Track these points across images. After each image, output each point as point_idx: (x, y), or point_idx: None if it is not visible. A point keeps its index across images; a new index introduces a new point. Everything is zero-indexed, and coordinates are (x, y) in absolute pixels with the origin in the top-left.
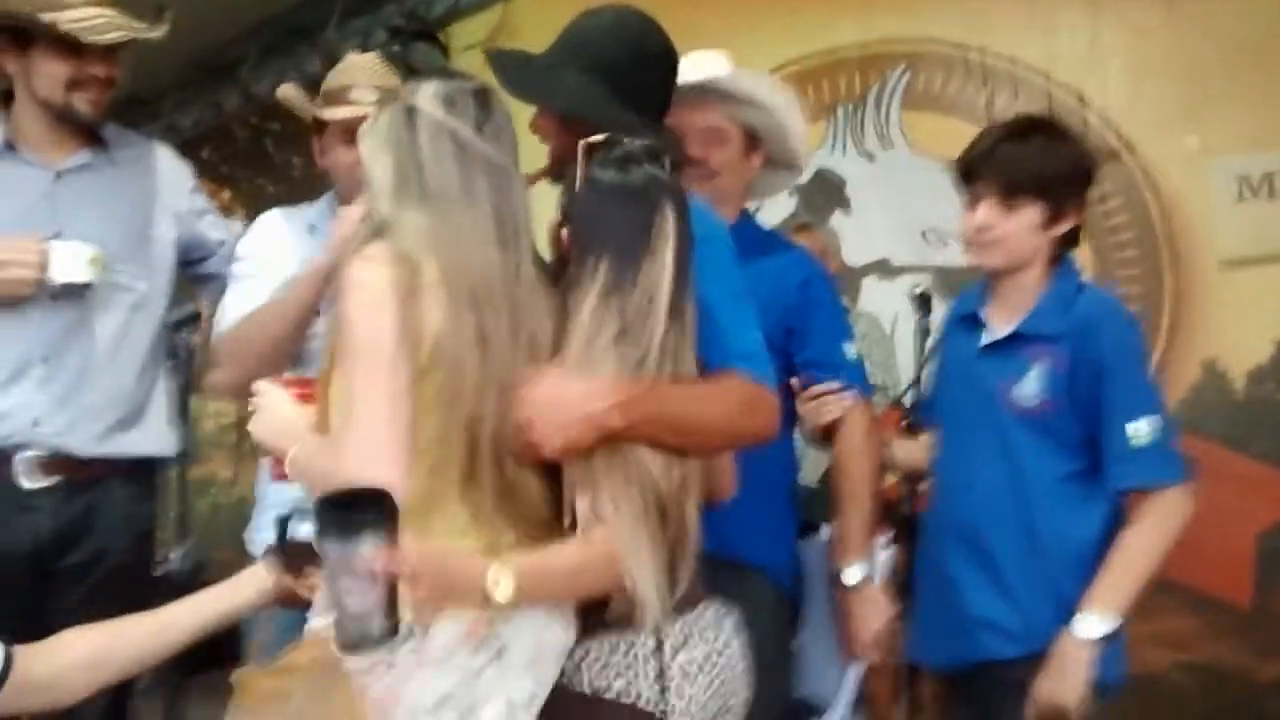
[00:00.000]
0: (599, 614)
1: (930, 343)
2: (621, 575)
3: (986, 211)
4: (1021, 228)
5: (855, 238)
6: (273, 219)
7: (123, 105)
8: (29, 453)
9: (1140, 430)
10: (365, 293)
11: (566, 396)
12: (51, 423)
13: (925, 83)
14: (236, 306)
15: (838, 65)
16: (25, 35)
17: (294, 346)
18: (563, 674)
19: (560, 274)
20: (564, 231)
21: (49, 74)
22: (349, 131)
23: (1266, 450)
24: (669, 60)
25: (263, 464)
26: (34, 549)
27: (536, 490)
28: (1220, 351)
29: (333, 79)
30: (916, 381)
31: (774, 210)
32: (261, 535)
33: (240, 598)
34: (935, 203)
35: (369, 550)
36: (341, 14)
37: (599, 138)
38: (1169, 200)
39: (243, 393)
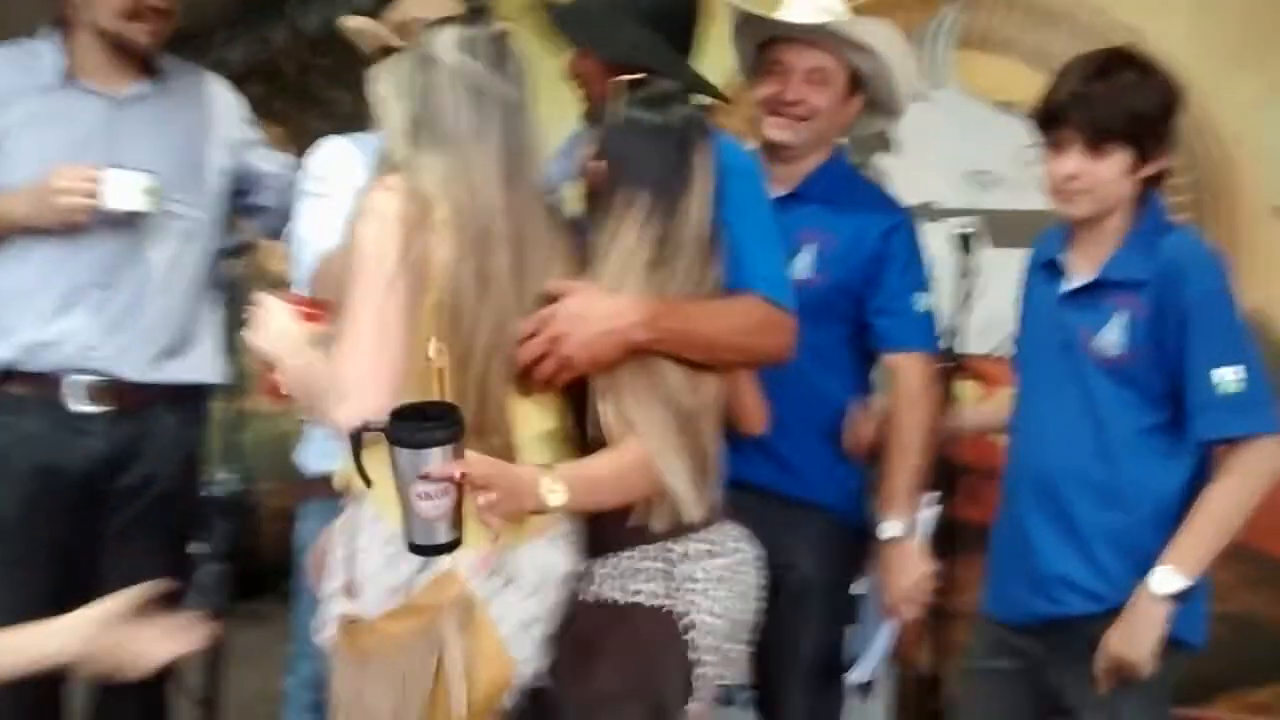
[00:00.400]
0: (613, 532)
1: (968, 285)
2: (653, 482)
3: (1074, 159)
4: (1111, 175)
5: (902, 179)
6: (341, 143)
7: (171, 41)
8: (80, 377)
9: (1226, 377)
10: (376, 218)
11: (595, 312)
12: (104, 348)
13: (981, 21)
14: (311, 225)
15: (892, 3)
16: None
17: None
18: (580, 593)
19: (591, 204)
20: (598, 165)
21: (108, 4)
22: None
23: None
24: (700, 5)
25: None
26: (86, 471)
27: (507, 429)
28: (1267, 300)
29: (402, 9)
30: (954, 327)
31: None
32: (310, 459)
33: (49, 646)
34: (985, 144)
35: (440, 459)
36: None
37: (634, 77)
38: (1225, 144)
39: None
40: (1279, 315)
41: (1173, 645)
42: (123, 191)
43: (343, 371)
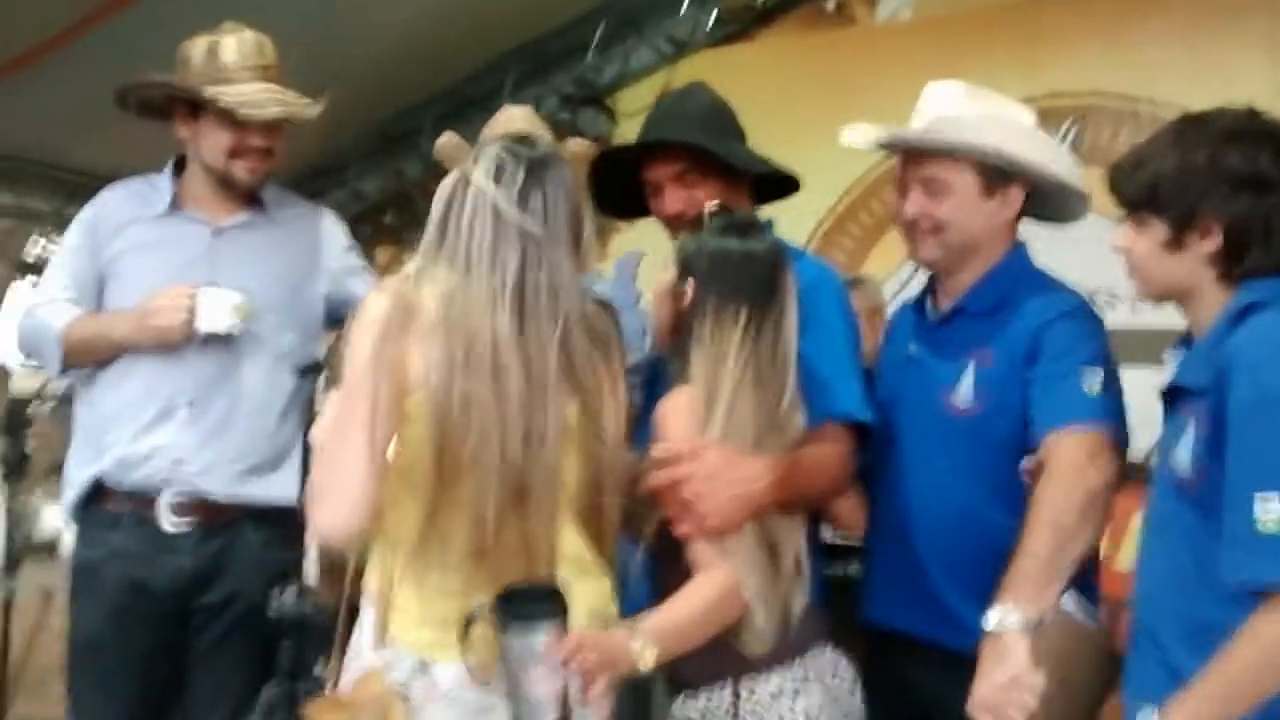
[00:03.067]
0: (691, 669)
1: None
2: (737, 613)
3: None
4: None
5: None
6: None
7: (310, 173)
8: (170, 493)
9: (1272, 511)
10: (362, 318)
11: (729, 475)
12: (192, 463)
13: (1094, 136)
14: None
15: None
16: (197, 106)
17: None
18: None
19: (682, 328)
20: (686, 287)
21: (213, 143)
22: None
23: None
24: None
25: None
26: (173, 588)
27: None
28: None
29: (487, 130)
30: None
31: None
32: None
33: None
34: (1106, 261)
35: (549, 640)
36: (515, 83)
37: (716, 204)
38: None
39: None
40: None
41: None
42: (213, 311)
43: (317, 473)
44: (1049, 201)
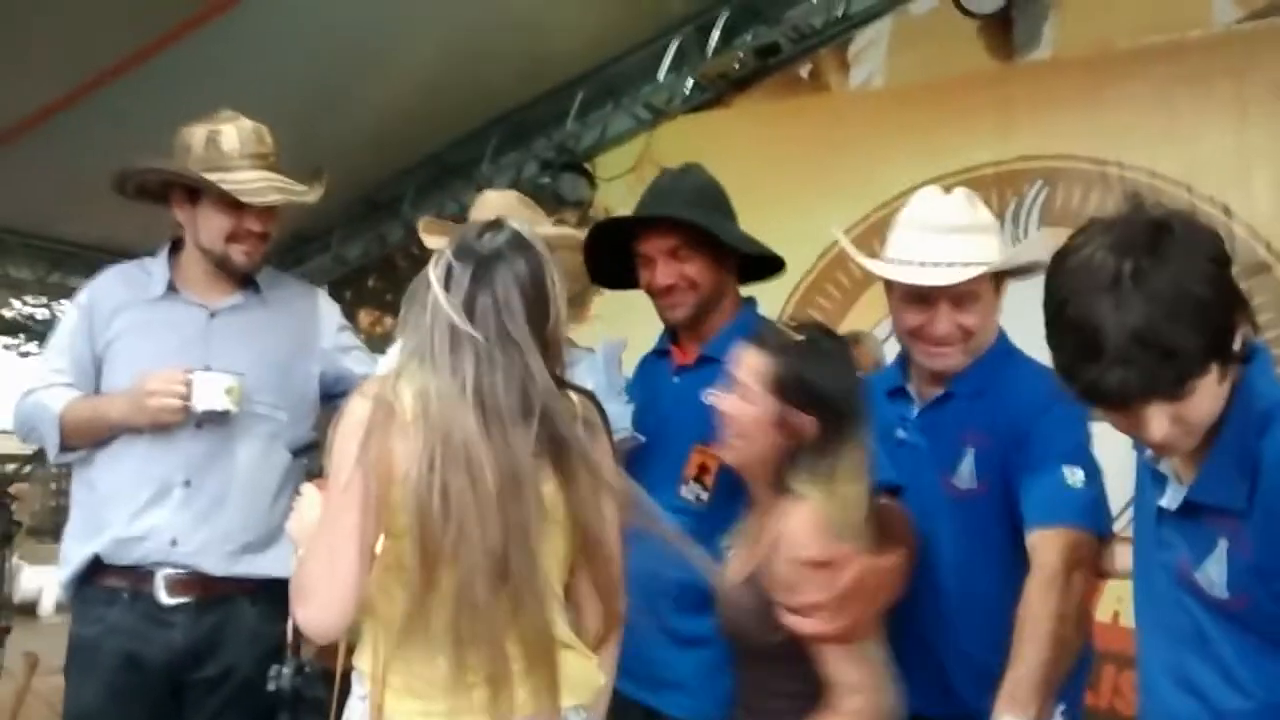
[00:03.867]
0: None
1: None
2: None
3: (1161, 424)
4: (1205, 407)
5: None
6: None
7: (293, 240)
8: (165, 572)
9: None
10: (345, 420)
11: (872, 582)
12: (188, 542)
13: (1063, 198)
14: None
15: (974, 183)
16: (195, 192)
17: None
18: None
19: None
20: (798, 419)
21: (211, 227)
22: None
23: None
24: None
25: None
26: (168, 662)
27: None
28: None
29: (474, 212)
30: None
31: None
32: None
33: None
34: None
35: None
36: (495, 149)
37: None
38: None
39: None
40: None
41: None
42: (208, 392)
43: (301, 571)
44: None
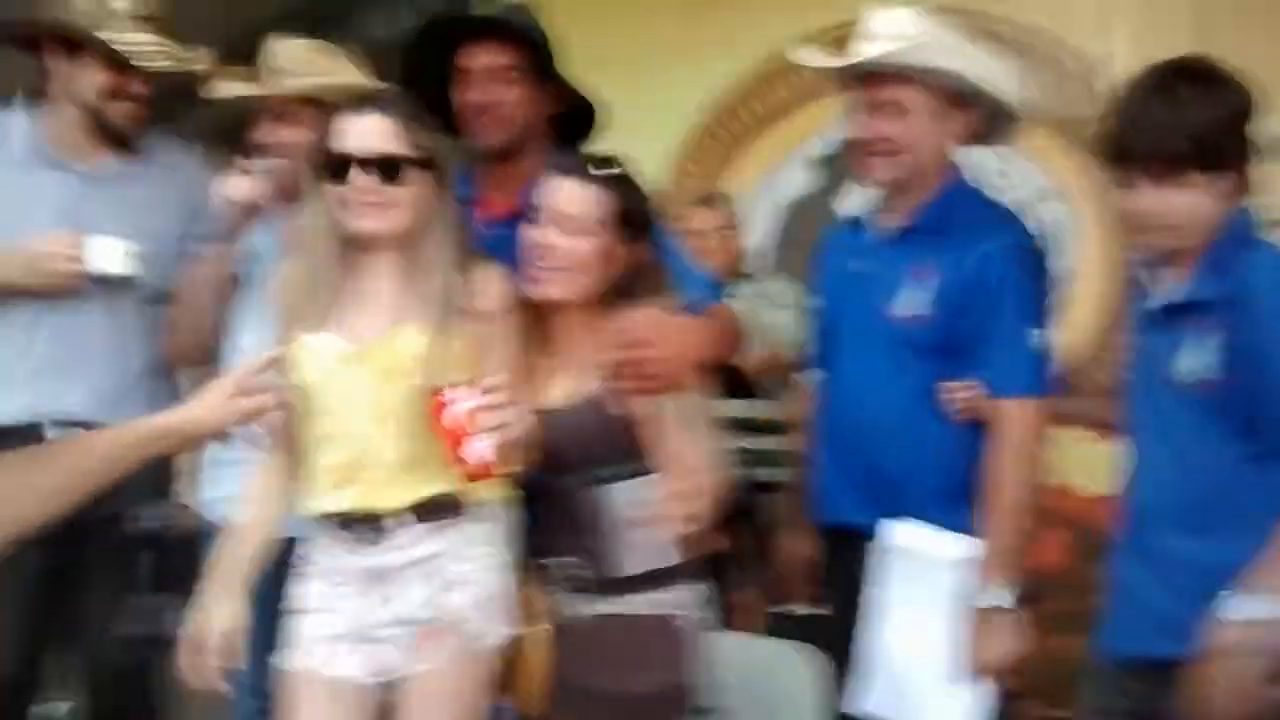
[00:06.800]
0: None
1: None
2: None
3: (1148, 196)
4: (1189, 204)
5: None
6: None
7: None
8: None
9: None
10: None
11: (679, 334)
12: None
13: None
14: None
15: (844, 40)
16: (75, 44)
17: None
18: None
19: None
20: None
21: (91, 82)
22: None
23: None
24: None
25: None
26: None
27: None
28: None
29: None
30: None
31: (791, 184)
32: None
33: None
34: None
35: None
36: None
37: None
38: None
39: None
40: None
41: None
42: (105, 256)
43: None
44: (984, 123)
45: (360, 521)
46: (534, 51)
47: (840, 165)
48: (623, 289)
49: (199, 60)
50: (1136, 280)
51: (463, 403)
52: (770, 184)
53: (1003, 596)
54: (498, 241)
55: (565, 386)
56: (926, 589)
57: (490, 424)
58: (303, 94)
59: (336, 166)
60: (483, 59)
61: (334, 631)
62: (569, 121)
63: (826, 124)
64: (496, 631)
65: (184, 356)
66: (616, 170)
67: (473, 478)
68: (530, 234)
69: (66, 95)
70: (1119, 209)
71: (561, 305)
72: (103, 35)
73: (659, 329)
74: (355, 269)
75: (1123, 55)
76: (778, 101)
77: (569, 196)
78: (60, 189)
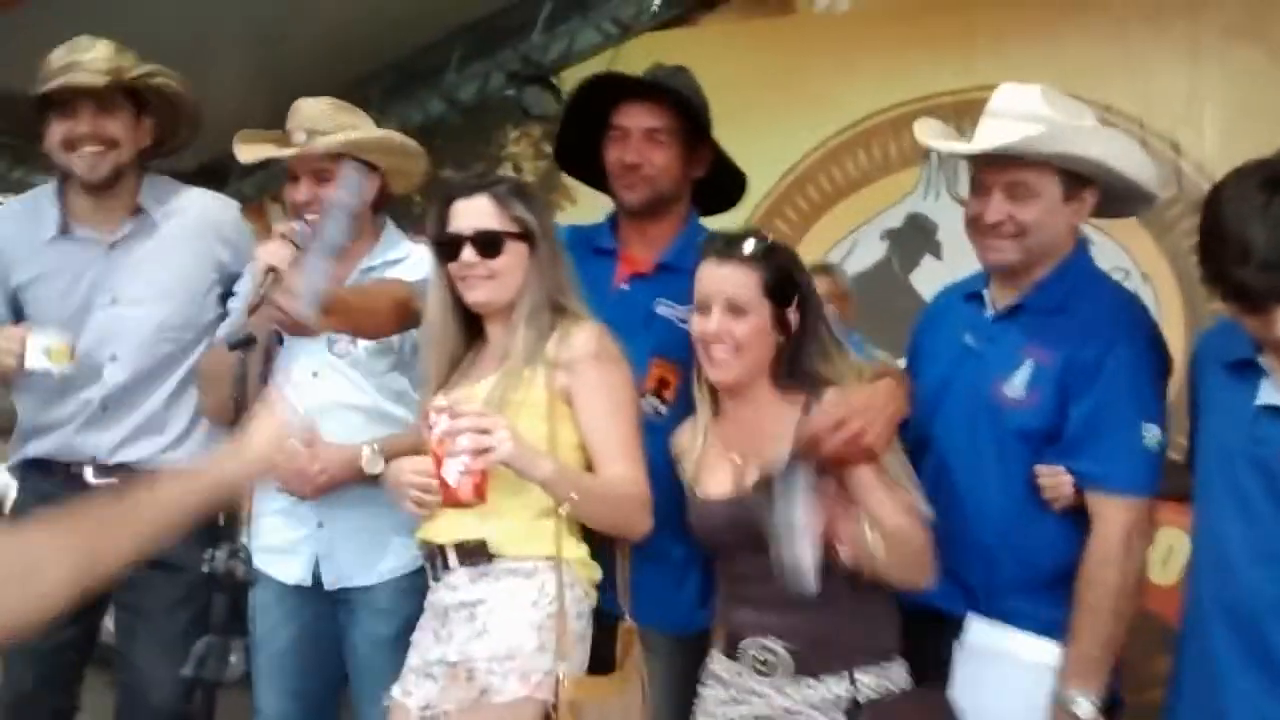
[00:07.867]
0: None
1: None
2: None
3: None
4: None
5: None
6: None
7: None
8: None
9: None
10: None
11: (885, 399)
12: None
13: None
14: None
15: (933, 110)
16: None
17: None
18: None
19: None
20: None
21: (51, 139)
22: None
23: None
24: None
25: None
26: None
27: None
28: None
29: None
30: None
31: (865, 254)
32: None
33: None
34: None
35: None
36: (460, 59)
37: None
38: None
39: None
40: None
41: None
42: (32, 351)
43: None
44: (1113, 199)
45: (430, 555)
46: (690, 116)
47: (912, 237)
48: (795, 354)
49: (159, 74)
50: (1228, 363)
51: (438, 427)
52: (843, 253)
53: (1084, 707)
54: (637, 294)
55: (759, 462)
56: (1007, 696)
57: (459, 449)
58: (332, 151)
59: (448, 246)
60: (639, 119)
61: (410, 663)
62: (713, 185)
63: (900, 196)
64: (511, 690)
65: (214, 418)
66: (766, 242)
67: (450, 503)
68: (698, 324)
69: (56, 164)
70: (1262, 337)
71: (743, 384)
72: (47, 84)
73: (867, 398)
74: (483, 332)
75: (1211, 142)
76: (856, 171)
77: (722, 278)
78: (84, 264)
